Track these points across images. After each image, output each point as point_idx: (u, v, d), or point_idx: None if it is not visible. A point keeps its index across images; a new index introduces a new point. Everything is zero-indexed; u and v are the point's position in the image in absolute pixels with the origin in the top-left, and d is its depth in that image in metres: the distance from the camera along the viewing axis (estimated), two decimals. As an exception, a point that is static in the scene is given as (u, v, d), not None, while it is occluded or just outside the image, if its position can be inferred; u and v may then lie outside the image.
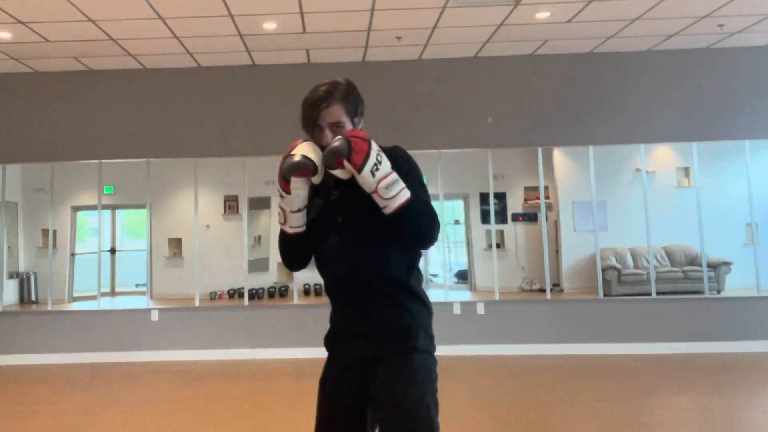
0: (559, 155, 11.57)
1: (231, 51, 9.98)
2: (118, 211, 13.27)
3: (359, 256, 2.90)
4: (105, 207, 11.51)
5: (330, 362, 3.11)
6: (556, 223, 11.71)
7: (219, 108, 10.79)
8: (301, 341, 10.14)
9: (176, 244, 12.30)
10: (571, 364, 9.45)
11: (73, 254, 12.26)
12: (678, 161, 11.30)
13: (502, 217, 11.87)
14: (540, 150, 10.64)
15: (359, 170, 2.68)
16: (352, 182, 2.79)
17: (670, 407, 7.31)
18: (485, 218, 11.73)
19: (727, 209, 10.69)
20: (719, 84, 10.58)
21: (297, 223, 2.90)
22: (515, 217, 12.03)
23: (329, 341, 3.12)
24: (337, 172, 2.76)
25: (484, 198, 11.60)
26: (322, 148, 2.82)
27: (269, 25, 8.87)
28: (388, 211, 2.74)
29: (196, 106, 10.81)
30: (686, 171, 11.17)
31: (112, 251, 12.88)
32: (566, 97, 10.65)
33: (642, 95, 10.60)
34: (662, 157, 11.28)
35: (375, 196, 2.73)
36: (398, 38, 9.56)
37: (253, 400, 7.85)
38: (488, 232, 11.42)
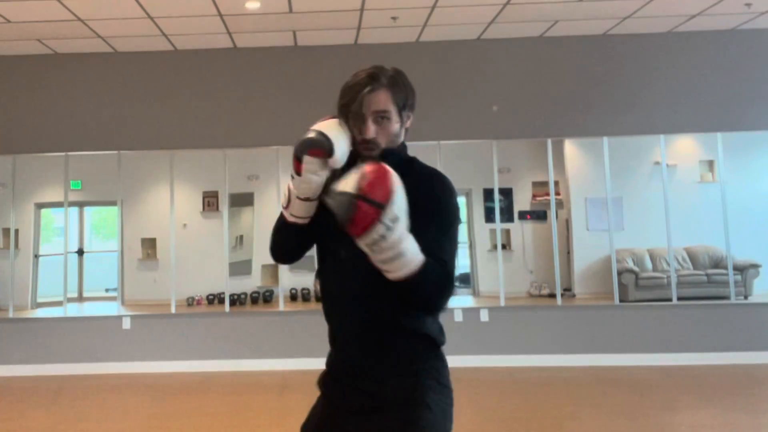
0: (570, 147, 11.56)
1: (210, 33, 9.95)
2: (87, 209, 13.22)
3: (368, 275, 2.57)
4: (72, 204, 11.50)
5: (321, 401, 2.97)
6: (568, 222, 11.69)
7: (197, 95, 10.75)
8: (287, 352, 10.12)
9: (150, 244, 12.26)
10: (584, 377, 9.45)
11: (36, 256, 12.20)
12: (701, 154, 11.29)
13: (508, 215, 11.84)
14: (549, 141, 10.63)
15: (355, 239, 2.37)
16: None
17: (692, 424, 7.31)
18: (489, 216, 11.70)
19: (755, 206, 10.70)
20: (746, 69, 10.57)
21: (300, 213, 2.69)
22: (522, 215, 12.01)
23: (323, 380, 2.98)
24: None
25: (488, 194, 11.58)
26: (359, 141, 2.68)
27: (252, 5, 8.83)
28: (387, 275, 2.46)
29: (172, 94, 10.78)
30: (710, 164, 11.16)
31: (80, 252, 12.83)
32: (578, 84, 10.64)
33: (662, 81, 10.59)
34: (684, 149, 11.27)
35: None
36: (394, 18, 9.54)
37: (235, 416, 7.84)
38: (493, 232, 11.39)
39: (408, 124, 2.85)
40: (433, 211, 2.65)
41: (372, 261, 2.42)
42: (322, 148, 2.55)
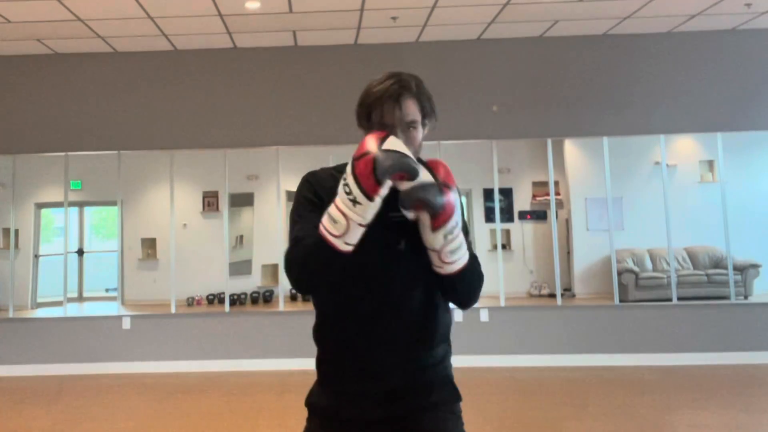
0: (570, 147, 11.56)
1: (210, 33, 9.95)
2: (87, 209, 13.21)
3: (415, 290, 2.65)
4: (72, 204, 11.51)
5: (325, 424, 2.80)
6: (568, 222, 11.69)
7: (197, 95, 10.76)
8: (286, 352, 10.12)
9: (150, 244, 12.25)
10: (584, 377, 9.45)
11: (36, 256, 12.21)
12: (701, 154, 11.29)
13: (508, 215, 11.84)
14: (549, 141, 10.64)
15: (435, 230, 2.44)
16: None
17: (693, 424, 7.31)
18: (489, 216, 11.69)
19: (755, 206, 10.69)
20: (746, 69, 10.57)
21: (355, 240, 2.43)
22: (522, 216, 12.01)
23: (331, 394, 2.82)
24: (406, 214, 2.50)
25: (488, 194, 11.57)
26: None
27: (252, 5, 8.83)
28: (440, 271, 2.55)
29: (172, 94, 10.78)
30: (710, 164, 11.15)
31: (80, 252, 12.83)
32: (578, 84, 10.65)
33: (662, 81, 10.59)
34: (684, 149, 11.27)
35: (432, 254, 2.51)
36: (394, 18, 9.54)
37: (235, 416, 7.84)
38: (493, 232, 11.38)
39: (426, 131, 2.75)
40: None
41: (437, 255, 2.52)
42: (411, 170, 2.39)
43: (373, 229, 2.48)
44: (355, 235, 2.42)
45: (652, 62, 10.62)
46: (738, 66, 10.57)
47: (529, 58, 10.72)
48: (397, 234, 2.61)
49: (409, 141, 2.58)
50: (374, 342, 2.65)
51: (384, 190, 2.37)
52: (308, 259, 2.55)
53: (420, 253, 2.58)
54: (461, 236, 2.53)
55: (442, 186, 2.44)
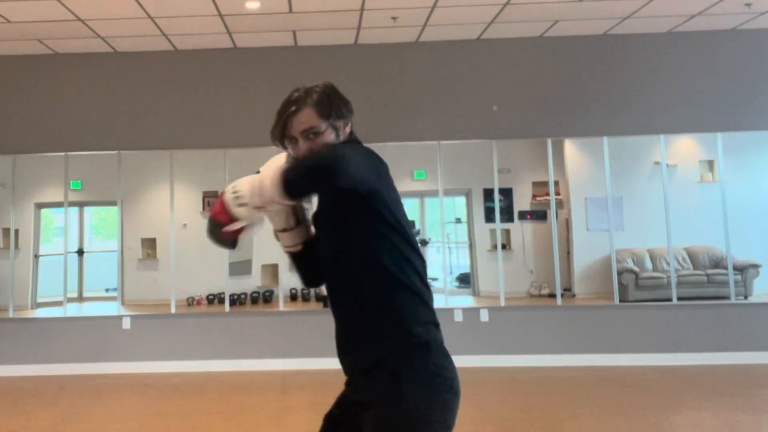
0: (570, 147, 11.54)
1: (210, 33, 9.95)
2: (87, 209, 13.18)
3: (328, 273, 2.94)
4: (72, 204, 11.50)
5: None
6: (568, 222, 11.68)
7: (197, 95, 10.76)
8: (287, 352, 10.11)
9: (150, 244, 12.23)
10: (584, 377, 9.45)
11: (36, 256, 12.18)
12: (701, 154, 11.27)
13: (507, 215, 11.81)
14: (549, 141, 10.64)
15: (239, 216, 2.70)
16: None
17: (693, 424, 7.32)
18: (489, 216, 11.68)
19: (755, 206, 10.68)
20: (747, 69, 10.57)
21: (288, 243, 2.96)
22: (522, 215, 11.98)
23: None
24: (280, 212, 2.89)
25: (488, 194, 11.56)
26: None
27: (252, 5, 8.83)
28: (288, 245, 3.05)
29: (172, 94, 10.78)
30: (710, 164, 11.14)
31: (80, 252, 12.80)
32: (578, 84, 10.65)
33: (662, 81, 10.59)
34: (684, 149, 11.26)
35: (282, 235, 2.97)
36: (394, 18, 9.54)
37: (235, 416, 7.84)
38: (493, 232, 11.37)
39: (348, 129, 2.96)
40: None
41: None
42: (224, 244, 2.84)
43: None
44: (285, 239, 3.05)
45: (652, 62, 10.62)
46: (738, 66, 10.56)
47: (529, 58, 10.72)
48: (316, 223, 3.02)
49: (314, 145, 2.83)
50: (337, 320, 2.93)
51: (271, 209, 2.74)
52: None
53: (325, 238, 2.92)
54: (258, 183, 2.61)
55: (216, 230, 2.81)
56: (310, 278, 3.12)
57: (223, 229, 2.70)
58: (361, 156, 2.68)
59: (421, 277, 2.83)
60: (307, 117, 2.81)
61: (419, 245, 3.20)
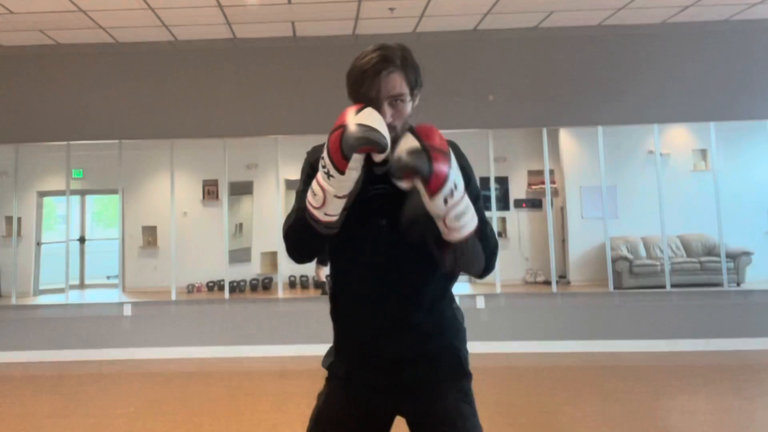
0: (565, 136, 11.53)
1: (210, 24, 9.93)
2: (88, 197, 13.20)
3: (402, 270, 2.72)
4: (74, 192, 11.52)
5: (337, 388, 2.91)
6: (563, 210, 11.69)
7: (197, 85, 10.76)
8: (286, 338, 10.13)
9: (151, 232, 12.23)
10: (579, 363, 9.47)
11: (39, 243, 12.18)
12: (694, 143, 11.28)
13: (503, 204, 11.82)
14: (545, 131, 10.63)
15: (432, 196, 2.38)
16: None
17: (686, 409, 7.33)
18: (486, 204, 11.70)
19: (747, 194, 10.69)
20: (740, 59, 10.58)
21: (336, 211, 2.50)
22: (518, 204, 11.99)
23: (340, 360, 2.91)
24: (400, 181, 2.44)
25: (484, 183, 11.53)
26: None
27: (251, -5, 8.84)
28: (448, 237, 2.47)
29: (172, 83, 10.78)
30: (703, 153, 11.15)
31: (82, 240, 12.81)
32: (573, 74, 10.65)
33: (656, 71, 10.59)
34: (677, 138, 11.27)
35: (438, 222, 2.45)
36: (391, 10, 9.52)
37: (235, 402, 7.85)
38: (489, 220, 11.38)
39: (417, 101, 2.77)
40: (466, 182, 2.56)
41: (442, 222, 2.44)
42: (379, 147, 2.41)
43: (355, 203, 2.56)
44: (334, 206, 2.48)
45: (646, 52, 10.62)
46: (731, 56, 10.57)
47: (524, 49, 10.72)
48: (379, 207, 2.65)
49: (396, 114, 2.61)
50: (365, 315, 2.77)
51: (355, 164, 2.40)
52: (292, 231, 2.71)
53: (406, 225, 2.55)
54: (465, 201, 2.45)
55: (430, 150, 2.38)
56: (315, 254, 2.87)
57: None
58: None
59: None
60: (398, 82, 2.61)
61: None
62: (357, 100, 2.61)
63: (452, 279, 2.86)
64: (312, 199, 2.51)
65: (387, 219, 2.65)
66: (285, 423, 6.91)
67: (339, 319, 2.89)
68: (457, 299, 2.91)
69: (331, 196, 2.46)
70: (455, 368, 2.82)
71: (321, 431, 2.88)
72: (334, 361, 2.91)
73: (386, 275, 2.71)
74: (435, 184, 2.36)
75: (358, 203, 2.58)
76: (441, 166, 2.37)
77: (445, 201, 2.38)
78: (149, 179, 11.98)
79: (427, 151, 2.37)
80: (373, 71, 2.58)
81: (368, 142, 2.36)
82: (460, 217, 2.42)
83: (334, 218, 2.52)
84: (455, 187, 2.40)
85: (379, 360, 2.77)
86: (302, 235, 2.67)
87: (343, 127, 2.39)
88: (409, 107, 2.68)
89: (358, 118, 2.40)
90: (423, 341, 2.76)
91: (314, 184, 2.51)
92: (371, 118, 2.42)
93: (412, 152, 2.37)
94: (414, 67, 2.69)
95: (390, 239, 2.66)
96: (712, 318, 10.12)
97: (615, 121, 10.53)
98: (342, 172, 2.40)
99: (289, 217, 2.75)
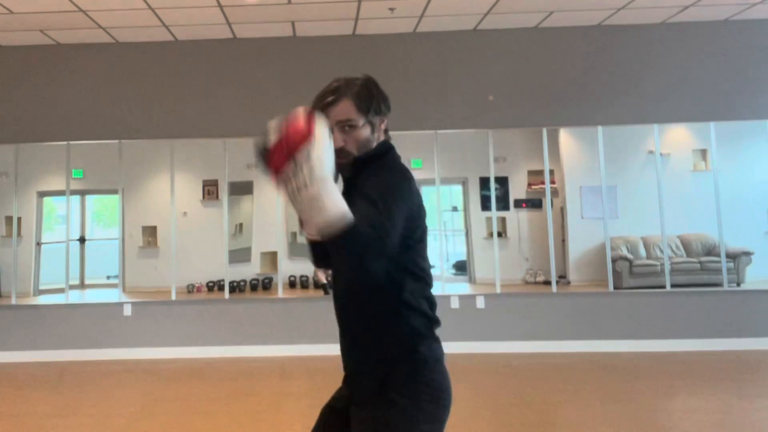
0: (565, 136, 11.53)
1: (210, 23, 9.93)
2: (88, 197, 13.18)
3: (341, 277, 2.83)
4: (74, 192, 11.49)
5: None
6: (563, 210, 11.69)
7: (197, 85, 10.75)
8: (286, 338, 10.12)
9: (151, 232, 12.23)
10: (579, 363, 9.46)
11: (38, 243, 12.18)
12: (694, 143, 11.28)
13: (503, 204, 11.81)
14: (545, 131, 10.63)
15: (277, 181, 2.43)
16: (351, 179, 2.77)
17: (686, 409, 7.33)
18: (485, 204, 11.68)
19: (747, 194, 10.69)
20: (740, 59, 10.56)
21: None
22: (518, 204, 11.98)
23: None
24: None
25: (484, 183, 11.56)
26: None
27: (251, -5, 8.83)
28: (307, 232, 2.58)
29: (172, 84, 10.77)
30: (703, 153, 11.15)
31: (82, 240, 12.80)
32: (573, 74, 10.64)
33: (656, 71, 10.59)
34: (677, 138, 11.27)
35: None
36: (391, 9, 9.52)
37: (235, 402, 7.84)
38: (489, 220, 11.37)
39: (383, 126, 2.87)
40: (372, 185, 2.60)
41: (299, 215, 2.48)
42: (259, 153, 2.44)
43: None
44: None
45: (646, 53, 10.61)
46: (731, 56, 10.56)
47: (524, 49, 10.70)
48: None
49: (348, 139, 2.74)
50: (340, 323, 2.87)
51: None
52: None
53: None
54: (314, 192, 2.32)
55: (277, 123, 2.43)
56: (324, 258, 2.89)
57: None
58: (401, 217, 2.61)
59: (428, 297, 2.82)
60: (345, 109, 2.74)
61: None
62: None
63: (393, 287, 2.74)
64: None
65: None
66: (285, 423, 6.91)
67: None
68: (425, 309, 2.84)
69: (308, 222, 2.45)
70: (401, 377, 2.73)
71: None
72: None
73: (344, 286, 2.84)
74: (272, 162, 2.40)
75: None
76: (280, 142, 2.38)
77: (287, 186, 2.38)
78: (149, 179, 11.98)
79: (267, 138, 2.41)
80: (321, 99, 2.79)
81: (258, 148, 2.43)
82: (304, 210, 2.37)
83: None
84: (300, 169, 2.33)
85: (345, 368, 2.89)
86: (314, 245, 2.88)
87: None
88: (364, 133, 2.77)
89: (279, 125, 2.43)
90: (366, 357, 2.81)
91: None
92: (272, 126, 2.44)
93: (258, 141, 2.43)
94: (370, 95, 2.80)
95: None
96: (712, 318, 10.12)
97: (615, 121, 10.52)
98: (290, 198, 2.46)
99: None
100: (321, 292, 10.60)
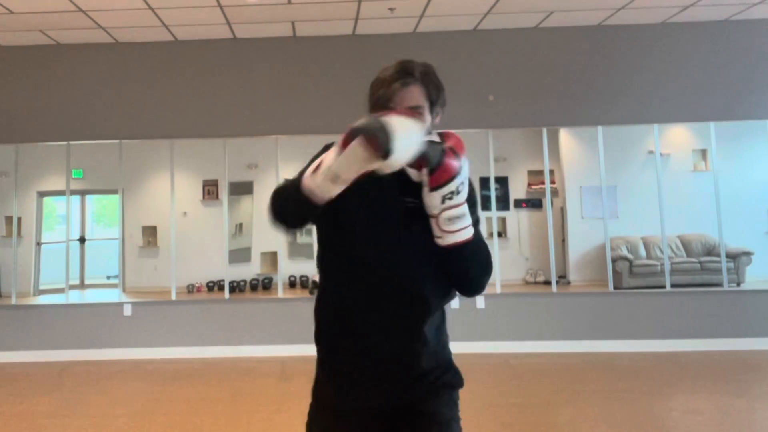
0: (565, 136, 11.54)
1: (210, 24, 9.93)
2: (88, 197, 13.21)
3: (417, 269, 2.64)
4: (74, 192, 11.50)
5: (328, 413, 2.85)
6: (563, 210, 11.69)
7: (197, 85, 10.74)
8: (286, 338, 10.13)
9: (151, 232, 12.24)
10: (579, 363, 9.46)
11: (39, 243, 12.20)
12: (694, 143, 11.29)
13: (503, 204, 11.82)
14: (545, 131, 10.62)
15: (432, 190, 2.43)
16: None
17: (686, 409, 7.32)
18: (486, 205, 11.63)
19: (747, 194, 10.69)
20: (740, 59, 10.56)
21: (330, 194, 2.40)
22: (518, 204, 11.99)
23: (329, 376, 2.88)
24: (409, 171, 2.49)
25: (484, 183, 11.54)
26: None
27: (251, -5, 8.83)
28: (440, 242, 2.52)
29: (172, 84, 10.76)
30: (703, 153, 11.16)
31: (82, 240, 12.82)
32: (573, 74, 10.63)
33: (656, 71, 10.58)
34: (677, 138, 11.27)
35: (432, 221, 2.50)
36: (391, 10, 9.52)
37: (235, 402, 7.84)
38: (489, 220, 11.35)
39: (437, 120, 2.74)
40: (470, 202, 2.59)
41: (435, 222, 2.50)
42: (376, 141, 2.22)
43: (386, 212, 2.62)
44: (329, 188, 2.39)
45: (646, 53, 10.60)
46: (731, 56, 10.55)
47: (524, 49, 10.70)
48: (409, 219, 2.61)
49: None
50: (369, 321, 2.68)
51: (357, 148, 2.27)
52: (284, 194, 2.70)
53: (430, 239, 2.57)
54: (463, 211, 2.49)
55: (447, 148, 2.44)
56: (295, 224, 2.77)
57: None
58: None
59: None
60: (416, 93, 2.62)
61: None
62: (376, 111, 2.55)
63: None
64: (312, 174, 2.43)
65: (415, 230, 2.61)
66: (285, 423, 6.90)
67: (326, 312, 2.90)
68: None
69: (330, 175, 2.36)
70: (451, 378, 2.85)
71: None
72: (321, 381, 3.01)
73: (401, 287, 2.67)
74: (439, 177, 2.40)
75: (387, 212, 2.64)
76: (451, 163, 2.41)
77: (443, 200, 2.43)
78: (149, 179, 11.98)
79: (442, 147, 2.43)
80: (391, 81, 2.61)
81: (370, 131, 2.22)
82: (453, 221, 2.47)
83: (325, 198, 2.44)
84: (457, 192, 2.44)
85: (368, 374, 2.76)
86: (293, 202, 2.60)
87: (377, 115, 2.30)
88: (428, 121, 2.65)
89: (396, 117, 2.31)
90: (419, 359, 2.76)
91: (322, 158, 2.44)
92: (406, 124, 2.31)
93: (430, 143, 2.40)
94: (436, 84, 2.71)
95: (415, 251, 2.65)
96: (712, 318, 10.11)
97: (615, 121, 10.52)
98: (340, 152, 2.31)
99: (279, 185, 2.73)
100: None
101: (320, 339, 2.89)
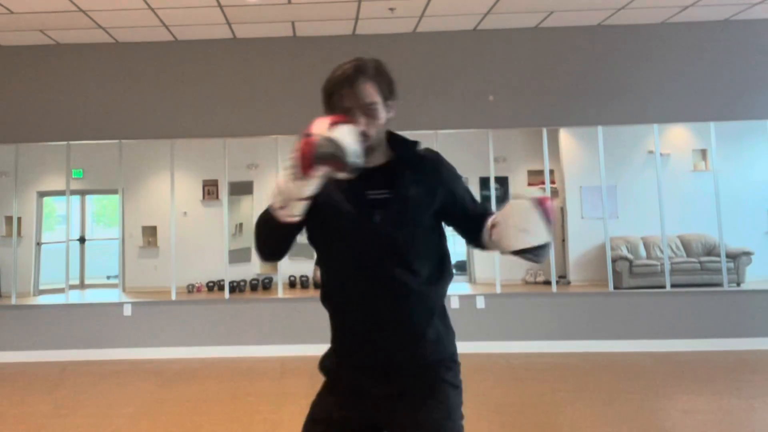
0: (565, 136, 11.54)
1: (210, 23, 9.93)
2: (88, 197, 13.22)
3: (394, 266, 2.69)
4: (74, 192, 11.51)
5: (330, 390, 2.89)
6: (563, 210, 11.69)
7: (197, 85, 10.74)
8: (286, 338, 10.13)
9: (151, 232, 12.25)
10: (579, 363, 9.46)
11: (39, 243, 12.20)
12: (694, 143, 11.29)
13: (503, 203, 11.78)
14: (545, 131, 10.62)
15: (527, 258, 2.70)
16: (405, 185, 2.74)
17: (686, 409, 7.32)
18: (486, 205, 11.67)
19: (747, 194, 10.69)
20: (739, 59, 10.56)
21: (299, 212, 2.48)
22: (518, 204, 11.97)
23: (333, 364, 2.89)
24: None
25: (484, 182, 11.54)
26: None
27: (251, -5, 8.83)
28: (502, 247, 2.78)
29: (172, 83, 10.76)
30: (703, 153, 11.16)
31: (82, 240, 12.83)
32: (573, 74, 10.63)
33: (655, 71, 10.58)
34: (677, 138, 11.27)
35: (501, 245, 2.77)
36: (391, 9, 9.52)
37: (235, 402, 7.84)
38: (489, 220, 11.36)
39: (392, 113, 2.82)
40: (461, 187, 3.01)
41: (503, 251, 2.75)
42: (342, 165, 2.34)
43: (350, 208, 2.69)
44: (299, 208, 2.47)
45: (646, 53, 10.60)
46: (731, 56, 10.56)
47: (524, 49, 10.70)
48: (373, 210, 2.68)
49: (369, 123, 2.67)
50: (363, 315, 2.75)
51: (318, 173, 2.35)
52: (261, 231, 2.69)
53: (397, 226, 2.69)
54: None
55: (550, 243, 2.65)
56: (283, 253, 2.77)
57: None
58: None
59: None
60: (371, 90, 2.69)
61: None
62: (332, 110, 2.67)
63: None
64: (275, 200, 2.52)
65: (381, 219, 2.69)
66: (285, 423, 6.90)
67: (330, 309, 2.91)
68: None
69: (294, 199, 2.46)
70: (448, 366, 3.00)
71: None
72: (329, 357, 2.98)
73: (380, 279, 2.72)
74: (536, 259, 2.66)
75: (353, 206, 2.70)
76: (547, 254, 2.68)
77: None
78: (149, 179, 11.99)
79: (547, 244, 2.63)
80: (347, 81, 2.68)
81: (330, 157, 2.31)
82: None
83: (297, 218, 2.52)
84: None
85: (372, 367, 2.81)
86: (270, 234, 2.68)
87: (313, 135, 2.35)
88: (383, 116, 2.74)
89: (336, 132, 2.35)
90: (422, 348, 2.89)
91: (279, 183, 2.51)
92: (349, 134, 2.38)
93: (545, 246, 2.63)
94: (387, 78, 2.81)
95: (386, 241, 2.70)
96: (712, 318, 10.11)
97: (615, 121, 10.52)
98: (305, 178, 2.37)
99: (259, 217, 2.71)
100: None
101: (331, 326, 2.91)
